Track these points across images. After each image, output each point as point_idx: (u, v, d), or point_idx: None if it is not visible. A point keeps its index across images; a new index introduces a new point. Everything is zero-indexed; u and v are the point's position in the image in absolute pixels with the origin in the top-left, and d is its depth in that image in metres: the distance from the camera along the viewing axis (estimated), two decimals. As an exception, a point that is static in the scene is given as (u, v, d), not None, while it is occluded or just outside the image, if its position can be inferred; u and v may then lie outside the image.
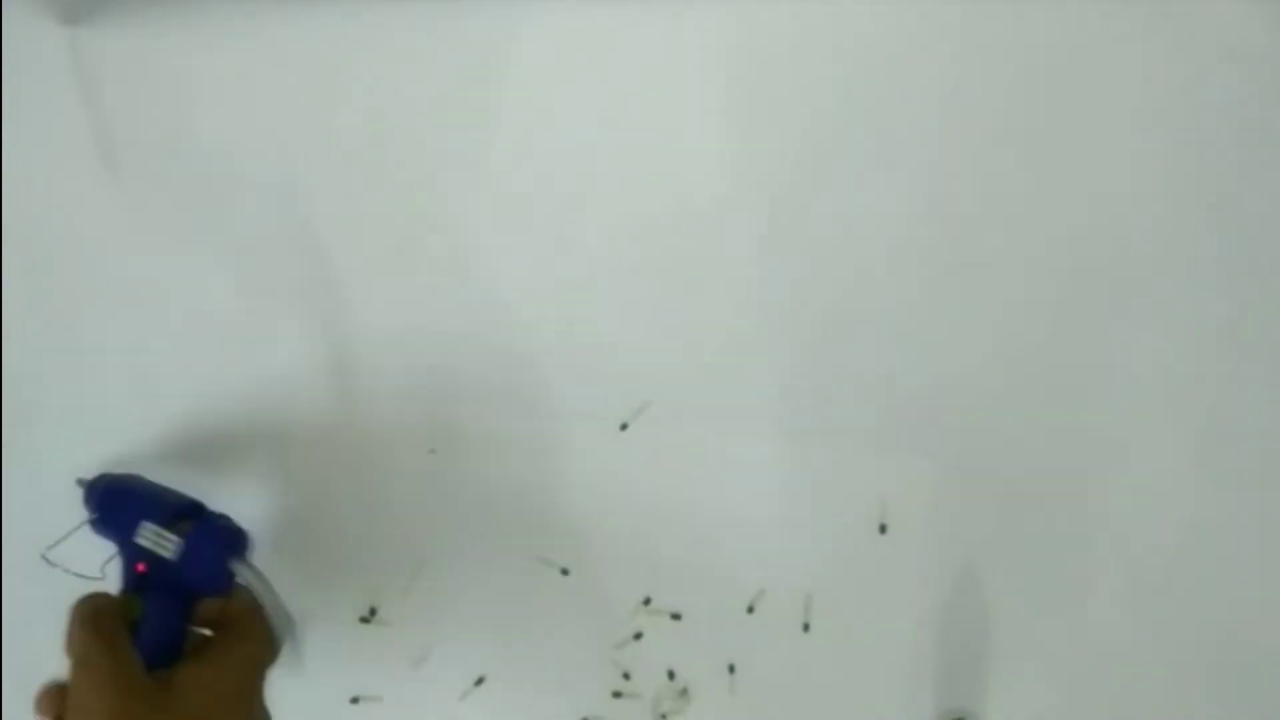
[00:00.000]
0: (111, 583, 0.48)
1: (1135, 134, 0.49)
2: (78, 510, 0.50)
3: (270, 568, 0.49)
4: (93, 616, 0.44)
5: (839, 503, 0.51)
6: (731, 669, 0.52)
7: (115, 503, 0.49)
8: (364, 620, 0.53)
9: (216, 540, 0.48)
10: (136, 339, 0.52)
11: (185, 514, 0.48)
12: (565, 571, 0.52)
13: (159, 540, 0.47)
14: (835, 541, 0.51)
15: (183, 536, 0.47)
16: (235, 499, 0.51)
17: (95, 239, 0.51)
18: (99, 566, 0.48)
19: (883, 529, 0.51)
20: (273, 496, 0.54)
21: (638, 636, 0.52)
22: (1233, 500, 0.50)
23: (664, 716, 0.52)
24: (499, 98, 0.51)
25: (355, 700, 0.53)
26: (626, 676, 0.52)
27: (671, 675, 0.52)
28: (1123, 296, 0.50)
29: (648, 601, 0.52)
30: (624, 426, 0.52)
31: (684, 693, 0.52)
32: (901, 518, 0.51)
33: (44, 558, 0.50)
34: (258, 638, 0.46)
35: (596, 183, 0.51)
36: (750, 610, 0.51)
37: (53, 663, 0.44)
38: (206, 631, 0.47)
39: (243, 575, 0.47)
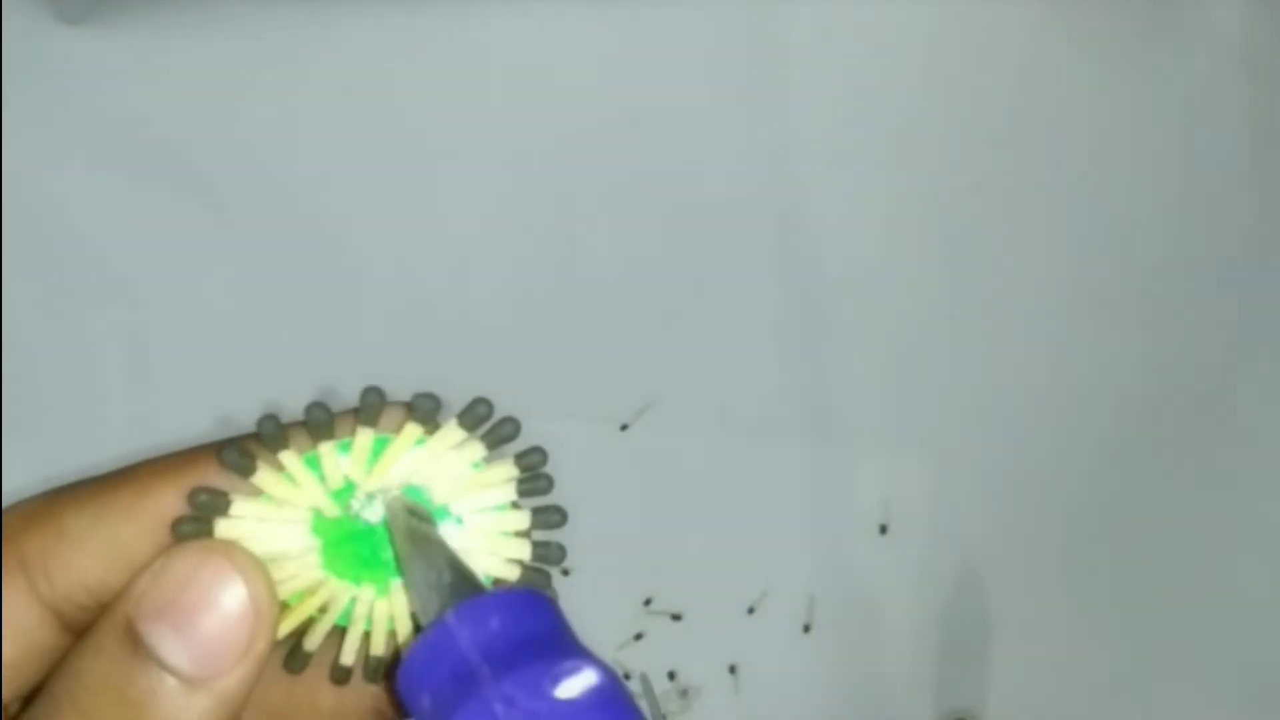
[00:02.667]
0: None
1: (1135, 134, 0.49)
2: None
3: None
4: None
5: (840, 503, 0.51)
6: (733, 670, 0.52)
7: None
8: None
9: None
10: (137, 339, 0.52)
11: None
12: (566, 572, 0.52)
13: None
14: (836, 542, 0.51)
15: None
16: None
17: (96, 239, 0.51)
18: None
19: (883, 529, 0.51)
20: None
21: (638, 637, 0.52)
22: (1231, 499, 0.50)
23: (665, 717, 0.52)
24: (498, 97, 0.51)
25: (355, 701, 0.52)
26: (627, 677, 0.52)
27: (672, 676, 0.52)
28: (1123, 296, 0.50)
29: (648, 602, 0.52)
30: (624, 427, 0.52)
31: (685, 693, 0.52)
32: (902, 518, 0.51)
33: None
34: None
35: (597, 182, 0.51)
36: (751, 611, 0.51)
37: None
38: None
39: None
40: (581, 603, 0.52)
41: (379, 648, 0.23)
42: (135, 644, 0.20)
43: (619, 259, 0.51)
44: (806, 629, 0.51)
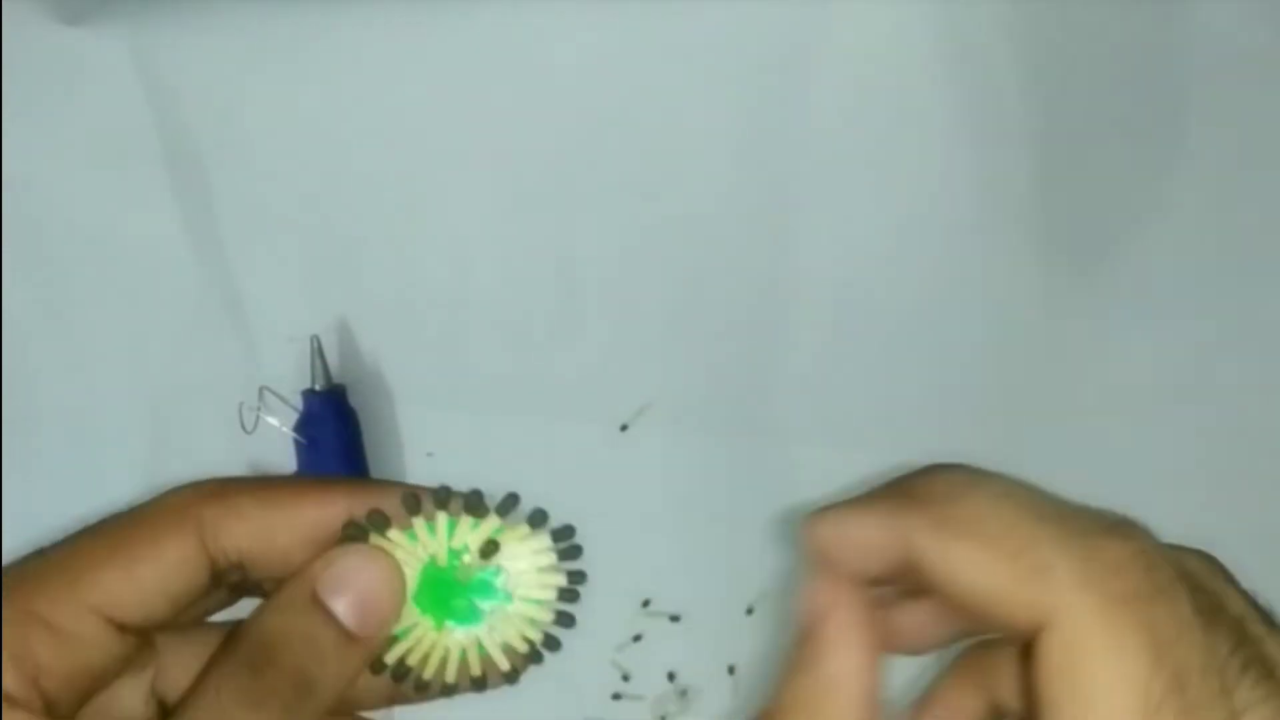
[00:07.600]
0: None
1: (1135, 132, 0.49)
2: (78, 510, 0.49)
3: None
4: None
5: (840, 503, 0.51)
6: (732, 670, 0.51)
7: None
8: (363, 622, 0.53)
9: None
10: (137, 339, 0.52)
11: None
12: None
13: None
14: (836, 543, 0.51)
15: None
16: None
17: (96, 239, 0.51)
18: None
19: (883, 530, 0.51)
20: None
21: (637, 639, 0.52)
22: (1237, 505, 0.50)
23: (664, 718, 0.51)
24: (499, 97, 0.51)
25: (354, 702, 0.52)
26: (626, 678, 0.52)
27: (672, 677, 0.52)
28: (1121, 296, 0.50)
29: (647, 603, 0.52)
30: (624, 427, 0.52)
31: (684, 694, 0.52)
32: (902, 519, 0.51)
33: None
34: None
35: (597, 182, 0.51)
36: (750, 612, 0.51)
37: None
38: None
39: None
40: (581, 604, 0.53)
41: (449, 674, 0.32)
42: (318, 606, 0.29)
43: (619, 259, 0.51)
44: (806, 630, 0.51)
